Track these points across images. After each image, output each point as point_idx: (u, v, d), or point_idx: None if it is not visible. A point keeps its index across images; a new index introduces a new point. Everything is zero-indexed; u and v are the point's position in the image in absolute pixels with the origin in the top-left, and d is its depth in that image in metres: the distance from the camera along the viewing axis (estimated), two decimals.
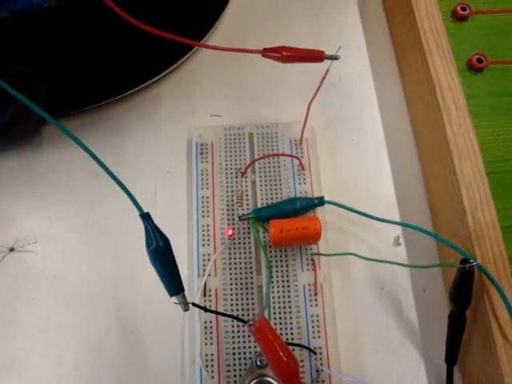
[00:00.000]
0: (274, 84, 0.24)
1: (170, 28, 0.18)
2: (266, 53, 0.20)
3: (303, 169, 0.22)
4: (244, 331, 0.19)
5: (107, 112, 0.24)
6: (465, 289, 0.18)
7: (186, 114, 0.24)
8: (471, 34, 0.24)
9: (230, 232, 0.20)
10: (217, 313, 0.19)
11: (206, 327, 0.19)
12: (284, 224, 0.19)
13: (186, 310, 0.16)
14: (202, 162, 0.22)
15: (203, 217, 0.21)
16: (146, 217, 0.15)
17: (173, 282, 0.15)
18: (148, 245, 0.15)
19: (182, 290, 0.15)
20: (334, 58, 0.20)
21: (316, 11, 0.26)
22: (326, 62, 0.19)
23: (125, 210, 0.21)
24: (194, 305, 0.16)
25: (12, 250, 0.22)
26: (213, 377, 0.18)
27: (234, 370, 0.19)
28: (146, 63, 0.23)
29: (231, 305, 0.20)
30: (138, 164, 0.23)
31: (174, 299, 0.15)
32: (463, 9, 0.24)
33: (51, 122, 0.14)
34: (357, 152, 0.23)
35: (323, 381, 0.19)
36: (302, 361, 0.19)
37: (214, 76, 0.25)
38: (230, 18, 0.25)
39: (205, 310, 0.18)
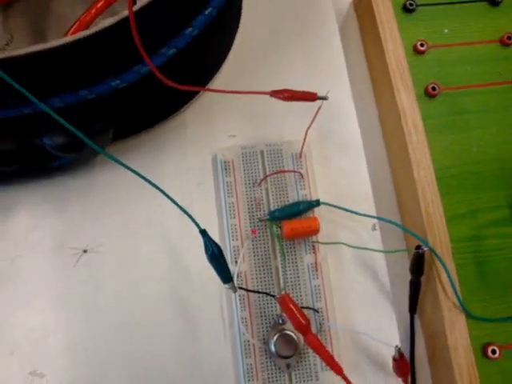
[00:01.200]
0: (278, 109, 0.31)
1: (191, 78, 0.25)
2: (272, 94, 0.28)
3: (303, 178, 0.30)
4: (266, 300, 0.28)
5: (147, 138, 0.31)
6: (419, 265, 0.27)
7: (208, 135, 0.32)
8: (428, 66, 0.31)
9: (254, 231, 0.29)
10: (253, 291, 0.27)
11: (241, 299, 0.28)
12: (293, 224, 0.28)
13: (235, 291, 0.24)
14: (226, 176, 0.30)
15: (231, 218, 0.29)
16: (204, 232, 0.23)
17: (225, 275, 0.24)
18: (206, 251, 0.23)
19: (232, 279, 0.24)
20: (324, 98, 0.27)
21: (307, 50, 0.33)
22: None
23: (170, 216, 0.29)
24: (240, 288, 0.25)
25: (85, 251, 0.30)
26: (248, 332, 0.27)
27: (262, 328, 0.28)
28: (174, 100, 0.30)
29: (257, 282, 0.28)
30: (174, 178, 0.31)
31: (226, 286, 0.24)
32: (422, 45, 0.31)
33: (113, 159, 0.22)
34: (342, 162, 0.31)
35: (324, 331, 0.28)
36: (310, 318, 0.27)
37: (229, 103, 0.32)
38: (233, 62, 0.32)
39: (247, 290, 0.26)
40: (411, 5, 0.32)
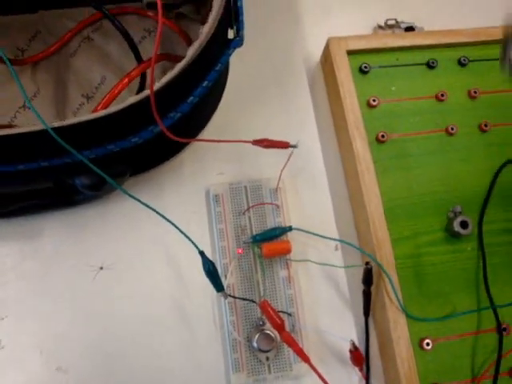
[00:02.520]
0: (258, 152, 0.39)
1: (189, 130, 0.34)
2: (254, 143, 0.36)
3: (279, 208, 0.38)
4: (250, 306, 0.36)
5: (153, 175, 0.39)
6: (368, 277, 0.35)
7: (201, 173, 0.40)
8: (378, 117, 0.40)
9: (240, 251, 0.37)
10: (240, 298, 0.35)
11: (229, 305, 0.36)
12: (271, 245, 0.36)
13: (226, 298, 0.32)
14: (217, 207, 0.38)
15: (221, 241, 0.38)
16: (202, 253, 0.31)
17: (218, 286, 0.32)
18: (204, 268, 0.31)
19: (223, 289, 0.32)
20: (295, 146, 0.36)
21: (282, 103, 0.42)
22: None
23: (172, 239, 0.37)
24: (230, 295, 0.33)
25: (101, 268, 0.38)
26: (235, 332, 0.35)
27: (247, 328, 0.36)
28: (175, 147, 0.39)
29: (242, 291, 0.36)
30: (175, 208, 0.39)
31: (219, 294, 0.32)
32: (374, 100, 0.41)
33: (128, 195, 0.30)
34: (311, 195, 0.40)
35: (296, 330, 0.36)
36: (284, 319, 0.36)
37: (218, 147, 0.40)
38: (221, 113, 0.41)
39: (234, 297, 0.35)
40: (366, 67, 0.41)
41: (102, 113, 0.29)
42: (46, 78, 0.42)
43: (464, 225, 0.37)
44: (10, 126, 0.40)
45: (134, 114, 0.30)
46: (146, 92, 0.29)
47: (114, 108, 0.29)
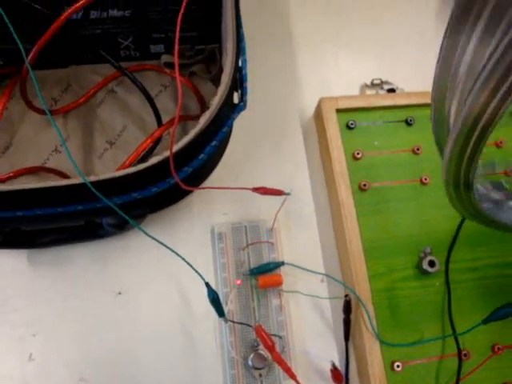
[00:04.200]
0: (257, 196, 0.47)
1: (197, 178, 0.42)
2: (253, 190, 0.44)
3: (273, 246, 0.46)
4: (246, 329, 0.44)
5: (166, 214, 0.47)
6: (348, 308, 0.43)
7: (208, 213, 0.48)
8: (362, 168, 0.48)
9: (239, 282, 0.45)
10: (238, 322, 0.43)
11: (229, 328, 0.43)
12: (266, 278, 0.44)
13: (226, 322, 0.40)
14: (220, 243, 0.46)
15: (223, 272, 0.45)
16: (207, 284, 0.39)
17: (220, 311, 0.39)
18: (208, 296, 0.39)
19: (224, 315, 0.39)
20: (288, 194, 0.44)
21: (279, 152, 0.50)
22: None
23: (180, 270, 0.45)
24: (229, 320, 0.41)
25: (120, 293, 0.46)
26: (233, 351, 0.43)
27: (243, 348, 0.43)
28: (186, 192, 0.47)
29: (240, 316, 0.44)
30: (184, 243, 0.46)
31: (221, 318, 0.39)
32: (358, 153, 0.49)
33: (144, 233, 0.38)
34: (301, 234, 0.48)
35: (286, 351, 0.43)
36: (276, 342, 0.43)
37: (222, 191, 0.48)
38: (225, 162, 0.49)
39: (233, 322, 0.42)
40: (352, 124, 0.50)
41: (130, 170, 0.37)
42: (75, 126, 0.51)
43: (432, 264, 0.45)
44: (43, 168, 0.48)
45: (155, 170, 0.38)
46: (166, 154, 0.37)
47: (140, 166, 0.37)
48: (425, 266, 0.45)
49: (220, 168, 0.48)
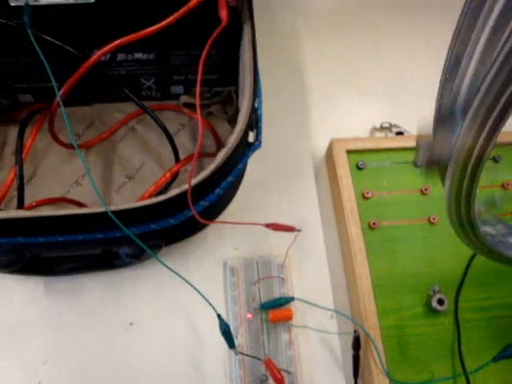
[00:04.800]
0: (269, 231, 0.49)
1: (213, 212, 0.44)
2: (265, 226, 0.46)
3: (284, 281, 0.48)
4: (256, 363, 0.44)
5: (181, 246, 0.49)
6: (357, 344, 0.44)
7: (220, 247, 0.50)
8: (371, 207, 0.50)
9: (250, 315, 0.46)
10: (248, 355, 0.44)
11: (239, 361, 0.44)
12: (276, 312, 0.45)
13: (236, 354, 0.41)
14: (232, 277, 0.48)
15: (235, 306, 0.47)
16: (219, 316, 0.40)
17: (231, 343, 0.40)
18: (220, 328, 0.40)
19: (235, 346, 0.40)
20: (299, 230, 0.46)
21: (291, 190, 0.52)
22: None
23: (193, 302, 0.46)
24: (240, 352, 0.42)
25: (131, 323, 0.47)
26: None
27: (252, 381, 0.44)
28: (200, 226, 0.49)
29: (250, 349, 0.45)
30: (197, 275, 0.48)
31: (232, 350, 0.40)
32: (367, 193, 0.51)
33: (162, 263, 0.39)
34: (311, 270, 0.49)
35: None
36: (284, 377, 0.44)
37: (235, 226, 0.50)
38: (239, 198, 0.51)
39: (243, 354, 0.43)
40: (362, 165, 0.52)
41: (150, 200, 0.39)
42: (96, 160, 0.53)
43: (441, 302, 0.46)
44: (64, 199, 0.50)
45: (173, 202, 0.40)
46: (185, 187, 0.39)
47: (159, 197, 0.39)
48: (434, 304, 0.46)
49: (234, 203, 0.50)
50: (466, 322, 0.47)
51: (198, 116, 0.40)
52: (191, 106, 0.55)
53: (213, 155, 0.50)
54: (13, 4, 0.43)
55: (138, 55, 0.49)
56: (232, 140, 0.41)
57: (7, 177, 0.49)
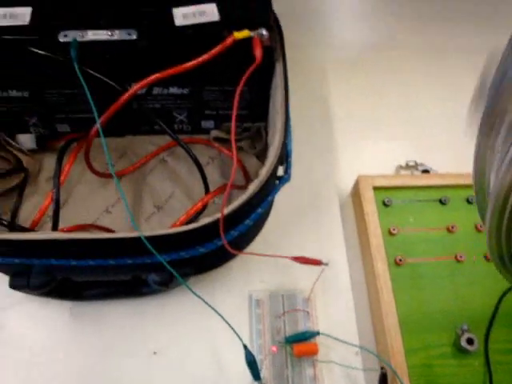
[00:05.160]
0: (295, 264, 0.50)
1: (240, 243, 0.45)
2: (292, 259, 0.46)
3: (309, 315, 0.48)
4: None
5: (207, 276, 0.50)
6: (383, 381, 0.43)
7: (246, 279, 0.50)
8: (397, 243, 0.51)
9: (274, 348, 0.46)
10: None
11: None
12: (301, 346, 0.45)
13: None
14: (257, 309, 0.48)
15: (259, 339, 0.47)
16: (245, 346, 0.40)
17: (256, 375, 0.40)
18: (246, 359, 0.40)
19: (260, 378, 0.40)
20: (326, 264, 0.46)
21: (317, 225, 0.53)
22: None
23: (218, 331, 0.46)
24: None
25: (155, 353, 0.47)
26: None
27: None
28: (228, 256, 0.49)
29: (274, 383, 0.45)
30: (221, 305, 0.48)
31: (256, 382, 0.40)
32: (394, 229, 0.51)
33: (191, 291, 0.40)
34: (337, 305, 0.49)
35: None
36: None
37: (261, 259, 0.51)
38: (265, 231, 0.52)
39: None
40: (388, 201, 0.53)
41: (183, 228, 0.40)
42: (127, 189, 0.55)
43: (470, 341, 0.45)
44: (94, 226, 0.52)
45: (205, 230, 0.41)
46: (217, 216, 0.40)
47: (192, 225, 0.40)
48: (463, 343, 0.45)
49: (260, 235, 0.51)
50: (497, 364, 0.46)
51: (234, 151, 0.42)
52: (221, 141, 0.57)
53: (242, 188, 0.51)
54: (61, 40, 0.46)
55: (173, 89, 0.51)
56: (264, 172, 0.43)
57: (41, 202, 0.51)
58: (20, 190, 0.54)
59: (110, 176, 0.55)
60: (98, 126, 0.44)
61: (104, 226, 0.52)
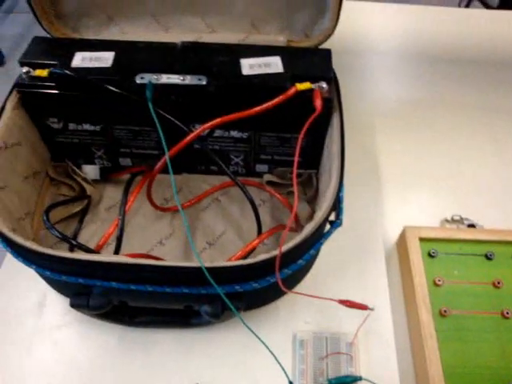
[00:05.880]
0: (339, 308, 0.51)
1: (289, 283, 0.47)
2: (339, 302, 0.48)
3: (352, 359, 0.49)
4: None
5: (254, 312, 0.52)
6: None
7: (292, 319, 0.52)
8: (442, 295, 0.52)
9: None
10: None
11: None
12: None
13: None
14: (301, 350, 0.49)
15: (301, 379, 0.48)
16: (290, 382, 0.42)
17: None
18: None
19: None
20: (372, 309, 0.48)
21: (362, 270, 0.55)
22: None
23: (260, 367, 0.48)
24: None
25: None
26: None
27: None
28: (277, 294, 0.51)
29: None
30: (267, 343, 0.50)
31: None
32: (439, 280, 0.53)
33: (244, 323, 0.41)
34: (379, 349, 0.50)
35: None
36: None
37: (307, 299, 0.52)
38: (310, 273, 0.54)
39: None
40: (434, 253, 0.54)
41: (244, 262, 0.42)
42: (181, 224, 0.58)
43: None
44: (148, 256, 0.55)
45: (261, 266, 0.43)
46: (274, 253, 0.43)
47: (250, 260, 0.43)
48: None
49: (308, 277, 0.53)
50: None
51: (296, 196, 0.45)
52: (274, 185, 0.61)
53: (293, 230, 0.54)
54: (138, 81, 0.51)
55: (234, 133, 0.56)
56: (319, 216, 0.45)
57: (99, 229, 0.55)
58: (81, 217, 0.58)
59: (165, 210, 0.59)
60: (167, 161, 0.48)
61: (158, 256, 0.55)
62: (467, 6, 1.75)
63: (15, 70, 0.53)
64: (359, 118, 0.71)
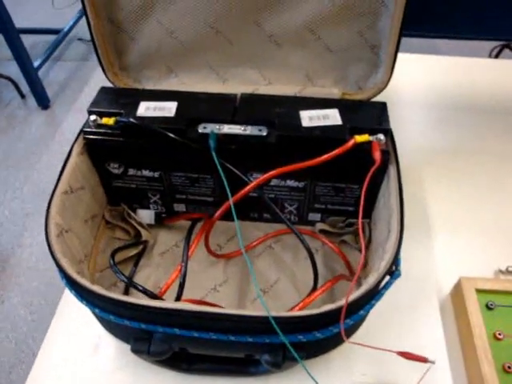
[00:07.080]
0: (396, 360, 0.51)
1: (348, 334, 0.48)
2: (398, 353, 0.48)
3: None
4: None
5: (310, 362, 0.52)
6: None
7: (347, 369, 0.52)
8: (504, 349, 0.52)
9: None
10: None
11: None
12: None
13: None
14: None
15: None
16: None
17: None
18: None
19: None
20: (433, 362, 0.48)
21: (418, 324, 0.56)
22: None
23: None
24: None
25: None
26: None
27: None
28: (334, 343, 0.52)
29: None
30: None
31: None
32: (499, 334, 0.53)
33: (306, 370, 0.42)
34: None
35: None
36: None
37: (364, 350, 0.53)
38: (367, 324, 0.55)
39: None
40: (491, 305, 0.55)
41: (312, 311, 0.43)
42: (235, 271, 0.60)
43: None
44: (204, 302, 0.56)
45: (325, 317, 0.44)
46: (340, 303, 0.44)
47: (316, 310, 0.44)
48: None
49: (362, 327, 0.54)
50: None
51: (363, 248, 0.47)
52: (325, 233, 0.62)
53: (349, 279, 0.56)
54: (200, 131, 0.54)
55: (290, 182, 0.58)
56: (382, 266, 0.47)
57: (152, 274, 0.57)
58: (136, 261, 0.60)
59: (220, 256, 0.60)
60: (231, 208, 0.50)
61: (213, 302, 0.56)
62: None
63: (58, 114, 0.56)
64: (406, 168, 0.73)
